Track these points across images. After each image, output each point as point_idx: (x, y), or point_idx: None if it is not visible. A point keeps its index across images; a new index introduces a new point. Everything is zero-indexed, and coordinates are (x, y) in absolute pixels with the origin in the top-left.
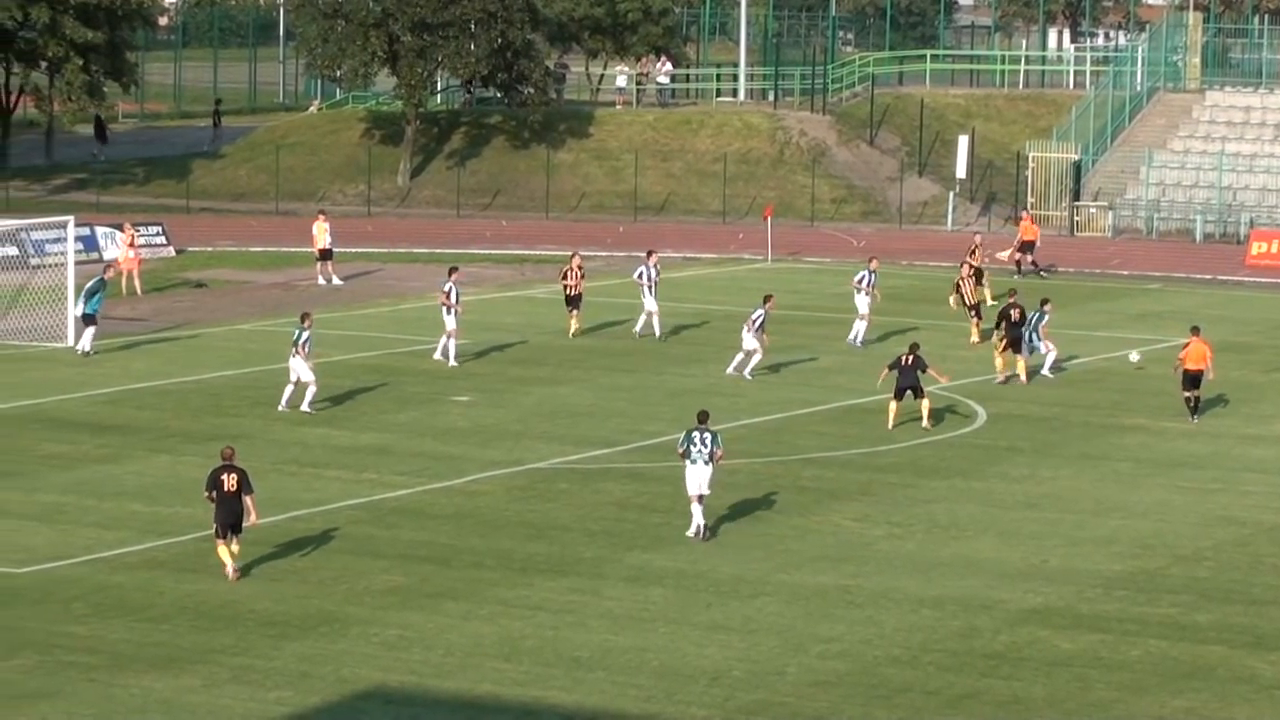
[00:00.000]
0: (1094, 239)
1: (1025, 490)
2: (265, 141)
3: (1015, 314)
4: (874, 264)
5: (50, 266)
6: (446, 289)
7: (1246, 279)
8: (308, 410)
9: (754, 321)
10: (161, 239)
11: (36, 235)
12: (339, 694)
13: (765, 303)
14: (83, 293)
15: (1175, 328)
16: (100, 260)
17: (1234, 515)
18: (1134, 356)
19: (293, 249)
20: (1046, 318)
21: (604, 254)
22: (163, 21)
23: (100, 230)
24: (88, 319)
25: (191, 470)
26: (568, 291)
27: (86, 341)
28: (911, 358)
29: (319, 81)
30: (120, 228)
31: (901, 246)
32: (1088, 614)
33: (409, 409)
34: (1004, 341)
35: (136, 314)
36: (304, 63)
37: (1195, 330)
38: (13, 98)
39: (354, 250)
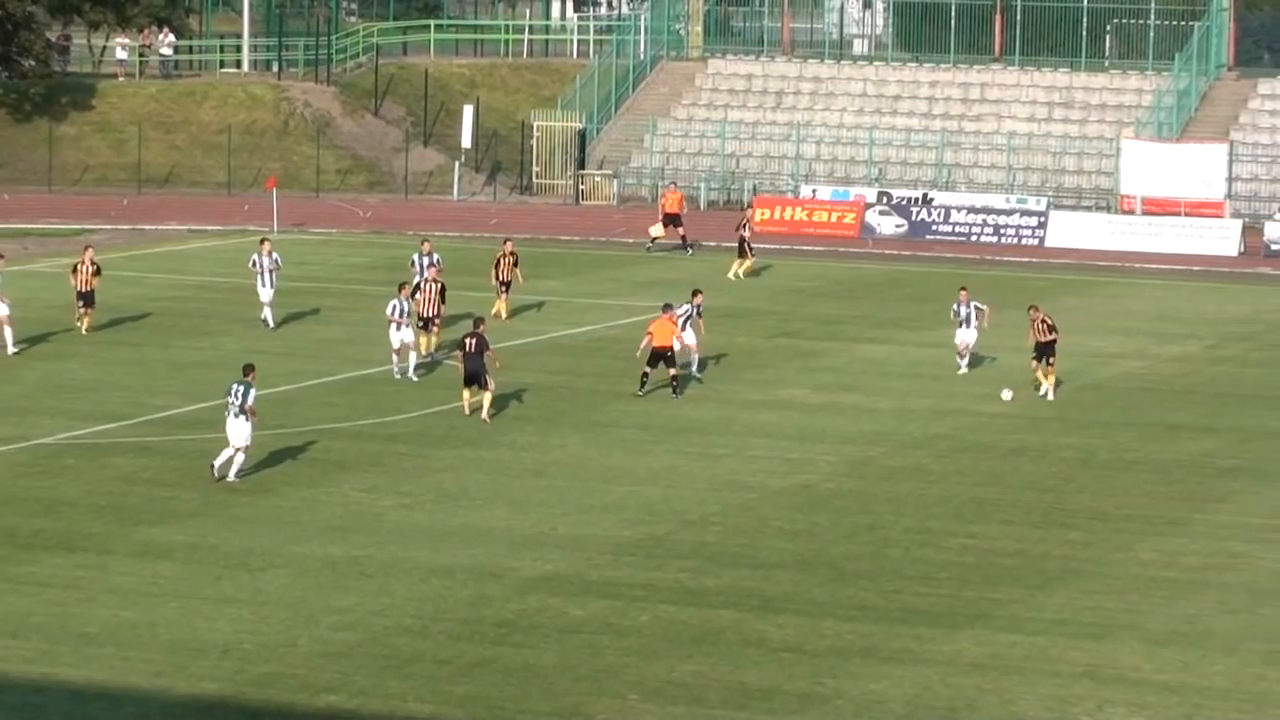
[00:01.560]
0: (599, 207)
1: (534, 458)
2: None
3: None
4: (426, 246)
5: None
6: None
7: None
8: None
9: (394, 310)
10: None
11: None
12: None
13: (400, 291)
14: None
15: (681, 295)
16: None
17: (740, 480)
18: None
19: None
20: (696, 310)
21: (109, 227)
22: None
23: None
24: None
25: None
26: (79, 287)
27: None
28: (474, 340)
29: None
30: None
31: (408, 217)
32: (597, 581)
33: None
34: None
35: None
36: None
37: (666, 308)
38: None
39: None
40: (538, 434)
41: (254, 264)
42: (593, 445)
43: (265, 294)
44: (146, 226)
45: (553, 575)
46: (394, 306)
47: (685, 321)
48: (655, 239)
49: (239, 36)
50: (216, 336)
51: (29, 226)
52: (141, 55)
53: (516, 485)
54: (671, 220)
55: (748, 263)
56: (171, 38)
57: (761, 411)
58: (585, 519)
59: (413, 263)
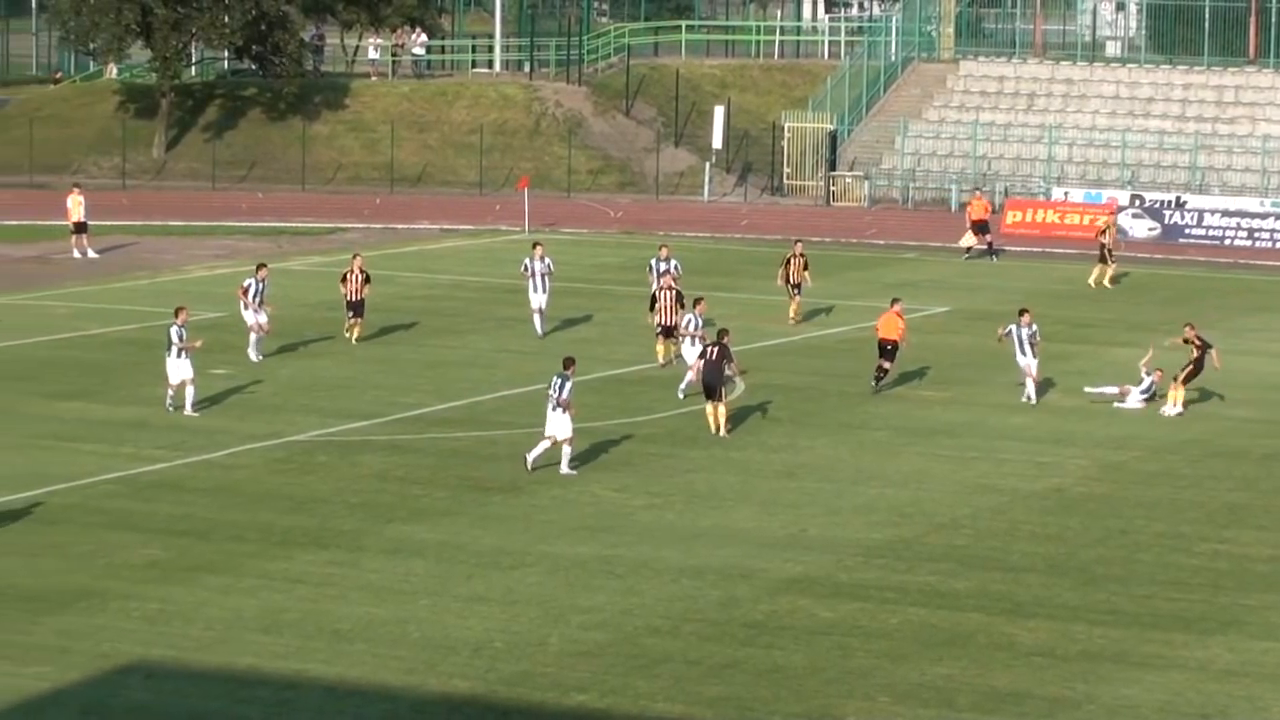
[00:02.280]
0: (850, 209)
1: (783, 459)
2: (18, 114)
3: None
4: (664, 251)
5: None
6: (246, 284)
7: (1003, 248)
8: (192, 413)
9: (689, 324)
10: None
11: None
12: (99, 669)
13: (695, 306)
14: None
15: (931, 297)
16: None
17: (991, 483)
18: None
19: (47, 222)
20: (1030, 329)
21: (361, 226)
22: None
23: None
24: None
25: None
26: (349, 296)
27: None
28: (716, 350)
29: (73, 54)
30: None
31: (659, 218)
32: (847, 582)
33: (166, 382)
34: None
35: None
36: (58, 36)
37: (895, 301)
38: None
39: (110, 223)
40: (787, 435)
41: (525, 269)
42: (843, 446)
43: (537, 299)
44: (399, 225)
45: (803, 577)
46: (690, 320)
47: (1027, 344)
48: (969, 249)
49: (490, 37)
50: (468, 335)
51: (283, 225)
52: (394, 55)
53: (766, 486)
54: (979, 228)
55: (1110, 269)
56: (423, 38)
57: (1012, 414)
58: (835, 520)
59: (650, 268)
